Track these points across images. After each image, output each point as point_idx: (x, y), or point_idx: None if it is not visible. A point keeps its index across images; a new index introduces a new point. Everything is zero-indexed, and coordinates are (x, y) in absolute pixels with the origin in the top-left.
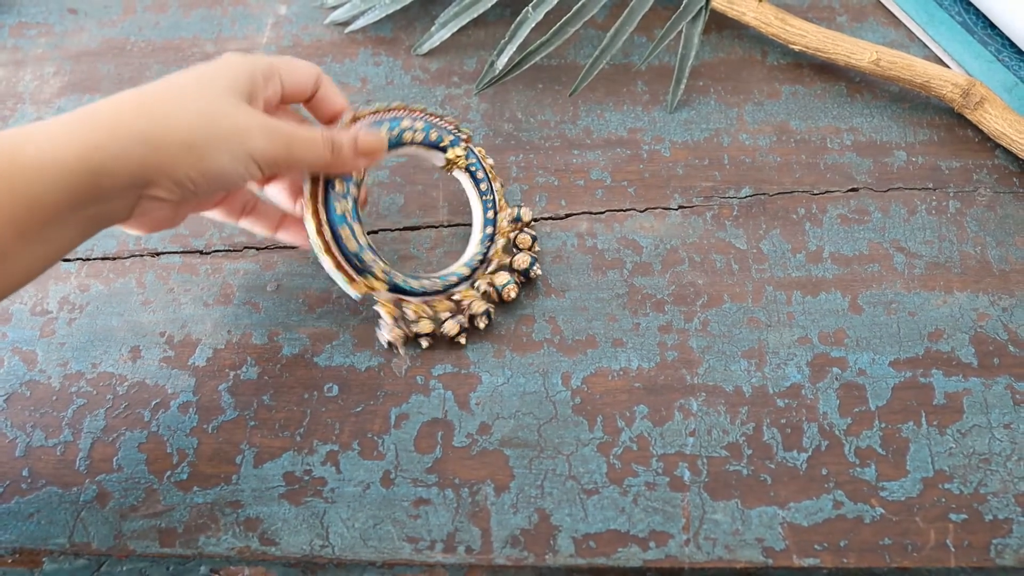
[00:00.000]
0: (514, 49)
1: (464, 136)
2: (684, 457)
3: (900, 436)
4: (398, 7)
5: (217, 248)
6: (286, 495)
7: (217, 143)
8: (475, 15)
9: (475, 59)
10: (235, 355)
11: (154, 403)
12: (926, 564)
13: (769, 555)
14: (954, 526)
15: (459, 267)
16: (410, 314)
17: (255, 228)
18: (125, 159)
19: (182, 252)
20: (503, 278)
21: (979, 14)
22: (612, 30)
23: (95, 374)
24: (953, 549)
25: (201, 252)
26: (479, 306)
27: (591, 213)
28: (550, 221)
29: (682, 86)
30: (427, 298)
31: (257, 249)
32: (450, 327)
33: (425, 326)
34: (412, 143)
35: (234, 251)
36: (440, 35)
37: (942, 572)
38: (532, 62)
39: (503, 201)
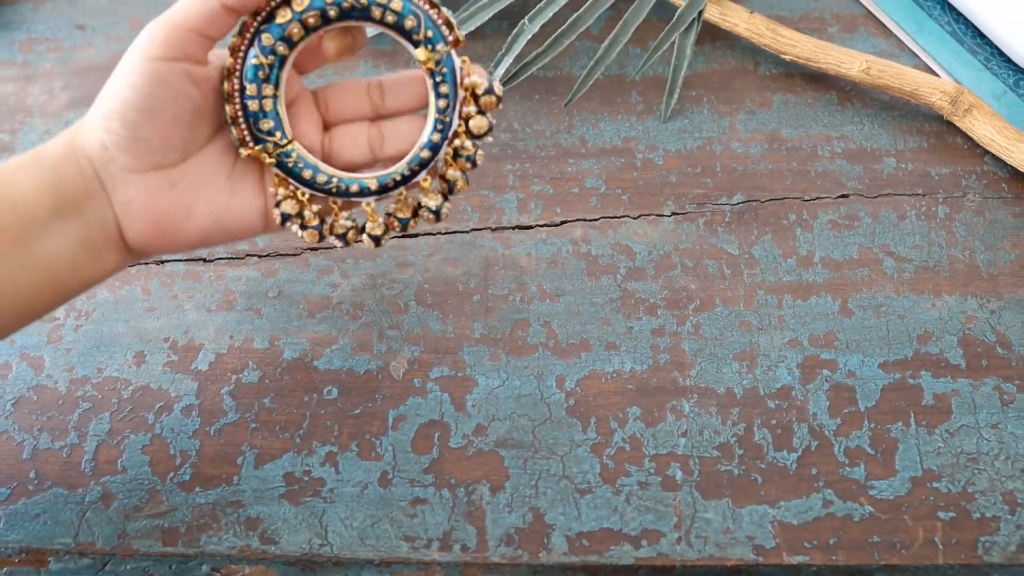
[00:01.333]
0: (511, 61)
1: (452, 38)
2: (676, 457)
3: (889, 436)
4: None
5: (220, 256)
6: (286, 495)
7: (118, 70)
8: (472, 28)
9: None
10: (237, 359)
11: (158, 406)
12: (914, 562)
13: (759, 553)
14: (942, 524)
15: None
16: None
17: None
18: (64, 142)
19: (186, 260)
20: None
21: (968, 24)
22: (607, 42)
23: (100, 379)
24: (941, 547)
25: (204, 260)
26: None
27: (585, 220)
28: (545, 228)
29: (675, 96)
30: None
31: (259, 257)
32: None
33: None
34: (381, 22)
35: (236, 259)
36: None
37: (930, 569)
38: (528, 73)
39: (461, 122)
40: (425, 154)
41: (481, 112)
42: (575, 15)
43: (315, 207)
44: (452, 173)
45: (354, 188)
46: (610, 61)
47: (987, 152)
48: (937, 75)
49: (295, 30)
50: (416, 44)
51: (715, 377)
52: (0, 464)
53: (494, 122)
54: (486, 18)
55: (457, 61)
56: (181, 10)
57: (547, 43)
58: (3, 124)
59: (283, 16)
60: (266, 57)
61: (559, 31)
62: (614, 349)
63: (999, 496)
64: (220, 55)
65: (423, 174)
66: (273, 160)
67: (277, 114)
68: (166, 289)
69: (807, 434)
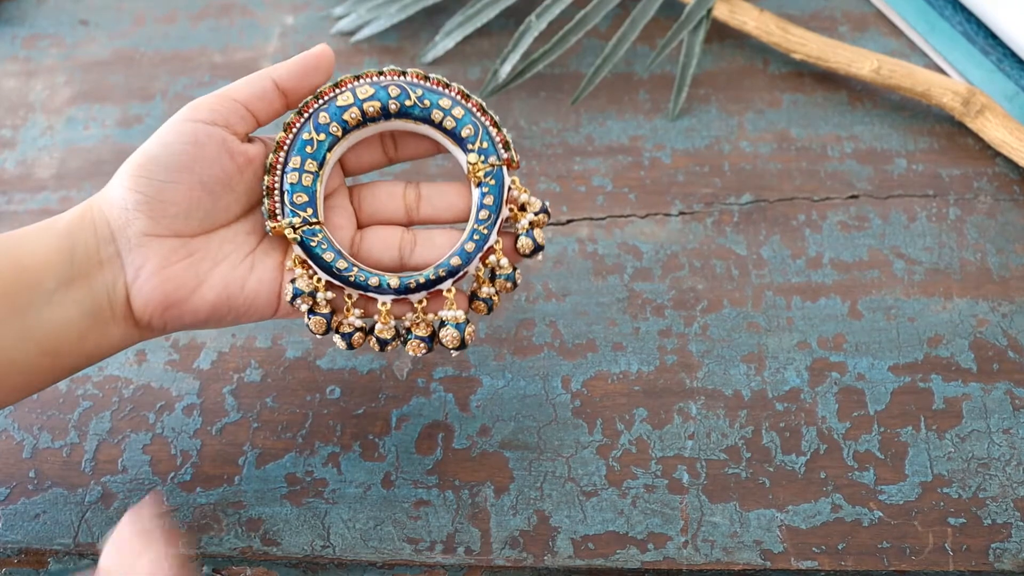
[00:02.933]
0: (517, 58)
1: (506, 156)
2: (683, 460)
3: (899, 440)
4: (403, 17)
5: None
6: (288, 496)
7: (155, 133)
8: (479, 25)
9: (479, 68)
10: (239, 358)
11: (159, 405)
12: (924, 568)
13: (767, 557)
14: (952, 530)
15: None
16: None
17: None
18: (81, 209)
19: None
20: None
21: (980, 24)
22: (614, 39)
23: (101, 377)
24: (951, 553)
25: None
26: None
27: (592, 219)
28: (552, 227)
29: (683, 94)
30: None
31: None
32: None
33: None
34: (439, 126)
35: None
36: (444, 44)
37: None
38: (535, 71)
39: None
40: (455, 261)
41: (534, 230)
42: (582, 12)
43: (329, 294)
44: (487, 290)
45: (373, 282)
46: (617, 59)
47: (999, 154)
48: (948, 75)
49: (353, 115)
50: (468, 153)
51: (723, 379)
52: None
53: (544, 241)
54: (493, 14)
55: (507, 178)
56: (234, 84)
57: (554, 40)
58: (5, 120)
59: (345, 100)
60: (318, 134)
61: (566, 28)
62: (620, 350)
63: (1010, 502)
64: (262, 146)
65: (448, 283)
66: (297, 236)
67: (314, 192)
68: None
69: (816, 437)
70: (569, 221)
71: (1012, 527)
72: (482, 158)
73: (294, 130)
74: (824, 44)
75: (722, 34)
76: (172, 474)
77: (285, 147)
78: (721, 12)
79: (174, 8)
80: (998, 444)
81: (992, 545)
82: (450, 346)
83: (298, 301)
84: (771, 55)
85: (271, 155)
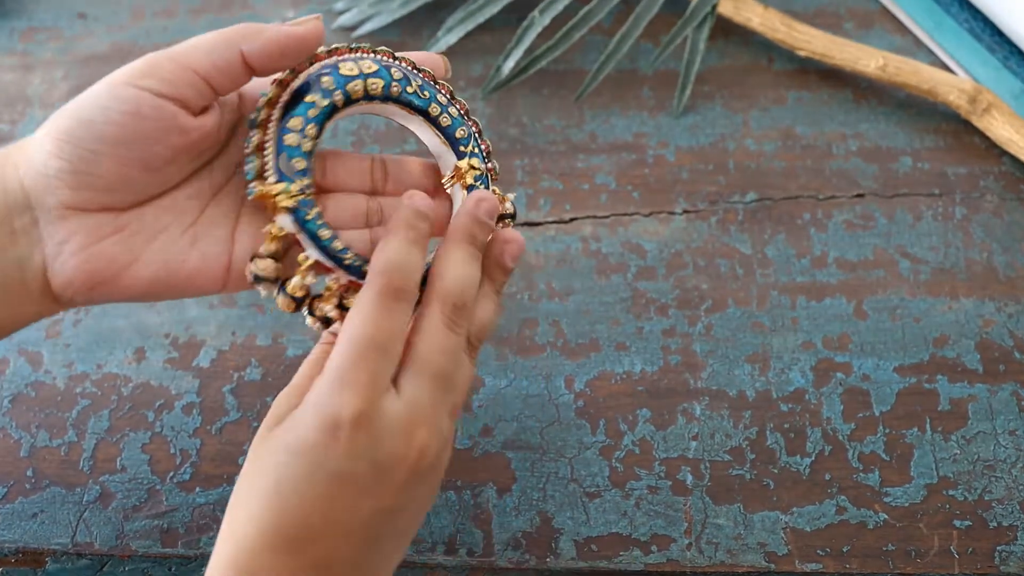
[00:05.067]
0: (520, 54)
1: (489, 165)
2: (687, 461)
3: (904, 442)
4: (405, 12)
5: None
6: None
7: (89, 89)
8: (481, 20)
9: (481, 64)
10: (239, 356)
11: (158, 404)
12: (929, 570)
13: (771, 560)
14: (958, 532)
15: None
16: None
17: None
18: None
19: None
20: None
21: (986, 21)
22: (618, 36)
23: (100, 375)
24: (957, 555)
25: None
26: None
27: (595, 217)
28: (555, 225)
29: (688, 92)
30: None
31: None
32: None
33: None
34: (435, 121)
35: None
36: (446, 40)
37: None
38: (538, 67)
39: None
40: None
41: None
42: (586, 8)
43: (309, 278)
44: None
45: (367, 270)
46: (621, 56)
47: (1005, 152)
48: (954, 73)
49: (356, 87)
50: (460, 156)
51: (727, 379)
52: None
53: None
54: (495, 10)
55: (491, 186)
56: (192, 47)
57: (557, 36)
58: (3, 114)
59: (348, 70)
60: (323, 99)
61: (569, 24)
62: (624, 350)
63: (1016, 504)
64: (217, 113)
65: None
66: (293, 203)
67: (310, 159)
68: None
69: (820, 439)
70: (572, 219)
71: (1018, 529)
72: (472, 163)
73: (291, 87)
74: (829, 41)
75: (727, 31)
76: (171, 473)
77: (279, 104)
78: (726, 8)
79: (174, 2)
80: (1004, 446)
81: (998, 547)
82: None
83: (260, 287)
84: (776, 52)
85: (260, 110)
